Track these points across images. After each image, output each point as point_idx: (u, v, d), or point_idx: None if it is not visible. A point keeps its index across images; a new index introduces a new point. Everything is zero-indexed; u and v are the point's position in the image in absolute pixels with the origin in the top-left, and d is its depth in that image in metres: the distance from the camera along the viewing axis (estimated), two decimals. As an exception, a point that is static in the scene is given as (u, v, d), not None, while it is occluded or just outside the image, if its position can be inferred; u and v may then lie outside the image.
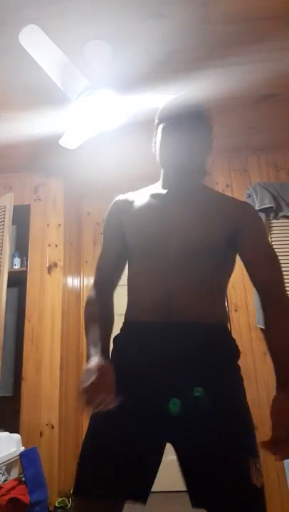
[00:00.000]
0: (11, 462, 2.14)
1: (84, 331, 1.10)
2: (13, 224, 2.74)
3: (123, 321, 1.11)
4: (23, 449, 2.22)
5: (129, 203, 1.18)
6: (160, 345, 0.98)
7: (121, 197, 1.23)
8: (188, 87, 2.18)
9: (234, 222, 1.08)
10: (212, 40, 1.90)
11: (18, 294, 2.89)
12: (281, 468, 2.20)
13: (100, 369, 0.89)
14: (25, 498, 1.92)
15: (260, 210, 2.59)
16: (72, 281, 3.13)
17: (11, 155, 2.85)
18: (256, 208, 2.61)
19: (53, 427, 2.51)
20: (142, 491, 0.91)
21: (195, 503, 0.88)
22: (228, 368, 1.01)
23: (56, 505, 2.35)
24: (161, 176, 1.23)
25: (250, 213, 1.14)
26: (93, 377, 0.86)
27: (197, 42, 1.91)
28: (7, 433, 2.22)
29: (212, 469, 0.87)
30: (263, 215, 2.59)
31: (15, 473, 2.17)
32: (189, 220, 1.08)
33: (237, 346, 1.07)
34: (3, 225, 2.68)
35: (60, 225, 2.95)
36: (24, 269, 2.89)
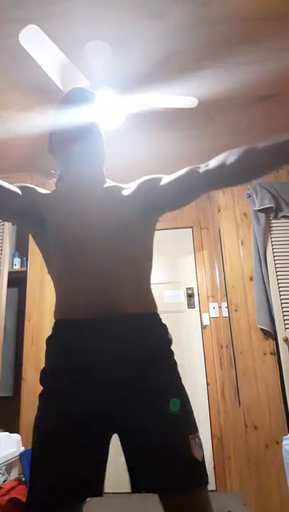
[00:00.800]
0: (11, 462, 2.14)
1: None
2: (13, 224, 2.74)
3: (53, 320, 1.09)
4: (23, 449, 2.22)
5: (44, 194, 1.18)
6: (94, 341, 0.99)
7: (31, 186, 1.19)
8: (188, 86, 2.18)
9: (138, 196, 1.15)
10: (212, 40, 1.90)
11: (18, 294, 2.89)
12: (281, 468, 2.20)
13: None
14: (25, 498, 1.92)
15: (260, 210, 2.60)
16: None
17: (11, 155, 2.85)
18: (256, 208, 2.61)
19: (53, 427, 2.51)
20: (96, 487, 0.98)
21: (140, 487, 0.93)
22: (163, 353, 1.04)
23: (56, 505, 2.35)
24: (62, 177, 1.27)
25: (144, 179, 1.23)
26: None
27: (197, 42, 1.91)
28: (7, 433, 2.22)
29: (156, 450, 0.90)
30: (263, 215, 2.60)
31: (15, 473, 2.17)
32: (103, 211, 1.11)
33: (167, 331, 1.09)
34: (3, 225, 2.68)
35: (60, 225, 2.95)
36: (24, 269, 2.89)
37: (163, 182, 1.19)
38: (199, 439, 0.95)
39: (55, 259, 1.11)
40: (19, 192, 1.12)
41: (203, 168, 1.15)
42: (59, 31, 1.78)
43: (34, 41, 1.59)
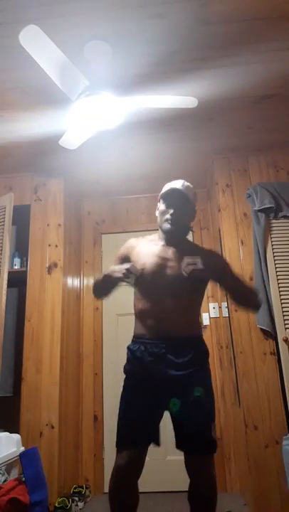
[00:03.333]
0: (11, 462, 2.14)
1: (98, 283, 1.85)
2: (13, 224, 2.74)
3: (133, 334, 1.70)
4: (23, 449, 2.22)
5: (137, 246, 1.77)
6: (157, 353, 1.57)
7: (133, 240, 1.82)
8: (188, 87, 2.18)
9: (207, 266, 1.59)
10: (211, 41, 1.90)
11: (18, 294, 2.89)
12: (281, 469, 2.20)
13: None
14: (25, 499, 1.92)
15: (260, 210, 2.59)
16: (72, 281, 3.13)
17: (11, 155, 2.85)
18: (256, 208, 2.61)
19: (53, 427, 2.51)
20: (156, 437, 1.56)
21: (178, 447, 1.54)
22: (203, 364, 1.62)
23: (56, 505, 2.35)
24: (160, 233, 1.78)
25: (217, 258, 1.81)
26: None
27: (197, 42, 1.91)
28: (7, 433, 2.22)
29: (192, 427, 1.50)
30: (263, 215, 2.59)
31: (15, 473, 2.17)
32: (178, 265, 1.59)
33: (207, 348, 1.67)
34: (3, 225, 2.68)
35: (60, 225, 2.95)
36: (24, 269, 2.89)
37: (225, 280, 1.73)
38: (215, 425, 1.56)
39: (138, 290, 1.71)
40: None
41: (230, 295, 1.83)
42: (59, 31, 1.78)
43: (34, 41, 1.59)
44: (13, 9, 1.69)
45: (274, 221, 2.61)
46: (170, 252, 1.69)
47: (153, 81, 2.13)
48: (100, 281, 1.80)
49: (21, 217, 2.95)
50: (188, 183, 1.75)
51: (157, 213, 1.79)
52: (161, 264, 1.66)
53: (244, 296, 1.73)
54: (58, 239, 2.91)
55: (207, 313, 3.16)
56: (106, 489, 2.88)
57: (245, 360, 2.46)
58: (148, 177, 3.23)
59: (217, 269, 1.68)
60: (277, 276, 2.47)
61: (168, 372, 1.54)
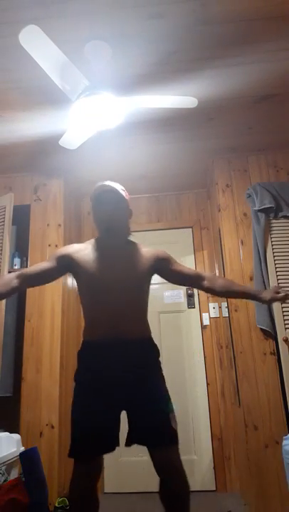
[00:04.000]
0: (11, 462, 2.14)
1: None
2: (13, 224, 2.74)
3: (82, 340, 1.65)
4: (23, 449, 2.22)
5: (80, 249, 1.71)
6: (111, 357, 1.55)
7: (75, 245, 1.78)
8: (188, 87, 2.18)
9: (154, 264, 1.71)
10: (211, 41, 1.90)
11: (18, 294, 2.89)
12: (281, 468, 2.20)
13: None
14: (25, 499, 1.92)
15: (260, 210, 2.59)
16: (72, 281, 3.13)
17: (11, 155, 2.85)
18: (256, 208, 2.61)
19: (53, 427, 2.51)
20: (111, 445, 1.51)
21: (138, 441, 1.50)
22: (154, 364, 1.63)
23: (56, 505, 2.35)
24: (98, 236, 1.78)
25: (163, 253, 1.79)
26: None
27: (196, 42, 1.91)
28: (7, 433, 2.22)
29: (150, 421, 1.49)
30: (263, 215, 2.59)
31: (15, 473, 2.17)
32: (122, 266, 1.65)
33: (157, 349, 1.67)
34: (3, 225, 2.68)
35: (60, 225, 2.95)
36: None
37: (173, 267, 1.77)
38: (174, 416, 1.53)
39: (85, 296, 1.67)
40: (54, 265, 1.68)
41: (201, 281, 1.78)
42: (59, 31, 1.78)
43: (34, 41, 1.59)
44: (13, 9, 1.69)
45: (274, 221, 2.61)
46: (114, 254, 1.68)
47: (153, 81, 2.14)
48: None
49: (21, 217, 2.95)
50: (116, 183, 1.75)
51: (93, 217, 1.79)
52: (108, 267, 1.63)
53: (201, 278, 1.78)
54: (58, 239, 2.92)
55: (207, 313, 3.16)
56: (106, 489, 2.88)
57: (245, 360, 2.46)
58: (148, 177, 3.23)
59: (164, 264, 1.74)
60: (277, 276, 2.47)
61: (123, 374, 1.53)
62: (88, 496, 1.49)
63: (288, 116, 2.53)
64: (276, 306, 2.41)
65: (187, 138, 2.73)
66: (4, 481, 2.06)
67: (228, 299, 2.62)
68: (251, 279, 2.55)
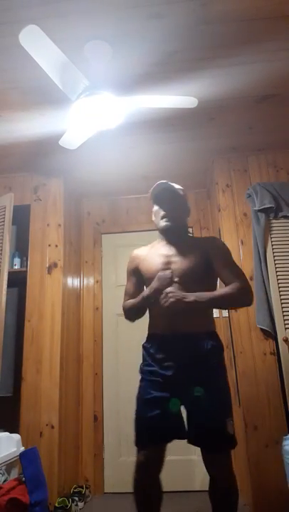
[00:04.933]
0: (11, 462, 2.14)
1: (130, 307, 1.80)
2: (13, 224, 2.74)
3: (148, 332, 1.75)
4: (23, 449, 2.22)
5: (142, 254, 1.83)
6: (171, 350, 1.60)
7: (136, 251, 1.89)
8: (188, 86, 2.18)
9: (205, 252, 1.71)
10: (212, 41, 1.90)
11: (18, 294, 2.89)
12: (281, 469, 2.20)
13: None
14: (25, 498, 1.92)
15: (260, 210, 2.59)
16: (72, 281, 3.13)
17: (11, 155, 2.85)
18: (256, 208, 2.61)
19: (53, 427, 2.51)
20: (179, 432, 1.53)
21: (193, 442, 1.53)
22: (218, 360, 1.64)
23: (56, 505, 2.35)
24: (160, 234, 1.84)
25: (213, 242, 1.80)
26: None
27: (197, 42, 1.91)
28: (7, 433, 2.22)
29: (207, 422, 1.50)
30: (263, 215, 2.59)
31: (15, 473, 2.17)
32: (181, 260, 1.69)
33: (222, 343, 1.69)
34: (3, 225, 2.68)
35: (60, 225, 2.95)
36: (24, 269, 2.89)
37: (219, 263, 1.72)
38: (232, 421, 1.54)
39: None
40: (135, 280, 1.85)
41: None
42: (59, 31, 1.78)
43: (34, 41, 1.59)
44: (13, 9, 1.69)
45: (274, 221, 2.61)
46: (173, 249, 1.74)
47: (153, 81, 2.13)
48: (139, 303, 1.75)
49: (21, 217, 2.95)
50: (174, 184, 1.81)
51: (153, 217, 1.84)
52: (167, 263, 1.70)
53: (237, 294, 1.66)
54: (57, 239, 2.91)
55: (207, 313, 3.15)
56: (106, 489, 2.88)
57: (245, 360, 2.46)
58: (148, 177, 3.22)
59: (213, 254, 1.71)
60: (277, 276, 2.47)
61: (183, 368, 1.55)
62: (152, 485, 1.53)
63: (288, 116, 2.53)
64: (276, 306, 2.41)
65: (187, 138, 2.73)
66: (4, 481, 2.06)
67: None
68: (251, 279, 2.55)
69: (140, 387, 1.64)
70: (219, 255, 1.73)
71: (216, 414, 1.51)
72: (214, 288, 1.75)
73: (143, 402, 1.59)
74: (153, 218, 1.85)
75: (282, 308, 2.41)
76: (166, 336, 1.63)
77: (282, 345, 2.36)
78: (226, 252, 1.76)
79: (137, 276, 1.83)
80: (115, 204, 3.57)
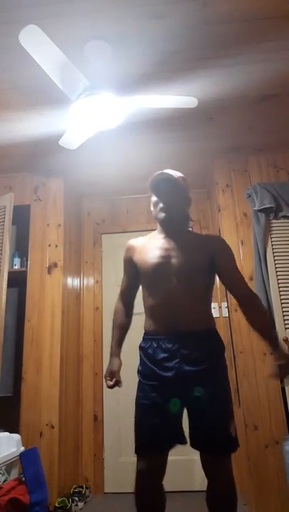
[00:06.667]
0: (11, 462, 2.14)
1: (112, 328, 1.82)
2: (13, 224, 2.74)
3: (144, 331, 1.65)
4: (23, 449, 2.22)
5: (137, 245, 1.72)
6: (169, 349, 1.51)
7: (132, 241, 1.76)
8: (188, 86, 2.18)
9: (210, 251, 1.64)
10: (212, 41, 1.90)
11: (18, 294, 2.89)
12: (281, 469, 2.20)
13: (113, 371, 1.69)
14: (25, 498, 1.92)
15: (260, 210, 2.59)
16: (72, 281, 3.13)
17: (11, 155, 2.85)
18: (256, 208, 2.61)
19: (53, 427, 2.51)
20: (179, 438, 1.48)
21: (193, 445, 1.47)
22: (218, 359, 1.57)
23: (56, 505, 2.35)
24: (158, 226, 1.73)
25: (220, 243, 1.73)
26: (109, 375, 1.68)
27: (197, 42, 1.91)
28: (7, 433, 2.22)
29: (208, 424, 1.45)
30: (263, 215, 2.59)
31: (15, 473, 2.17)
32: (181, 255, 1.59)
33: (222, 342, 1.61)
34: (3, 225, 2.68)
35: (60, 225, 2.95)
36: (24, 269, 2.89)
37: (224, 266, 1.66)
38: (234, 422, 1.49)
39: (145, 287, 1.66)
40: (131, 271, 1.74)
41: (242, 302, 1.65)
42: (59, 31, 1.78)
43: (34, 41, 1.59)
44: (13, 9, 1.69)
45: (274, 221, 2.61)
46: (172, 243, 1.64)
47: (153, 81, 2.13)
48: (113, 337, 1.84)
49: (21, 217, 2.95)
50: (175, 171, 1.71)
51: (152, 207, 1.73)
52: (165, 257, 1.60)
53: (245, 297, 1.64)
54: (58, 239, 2.91)
55: (207, 313, 3.15)
56: (106, 489, 2.88)
57: (245, 360, 2.46)
58: (148, 177, 3.21)
59: (219, 256, 1.63)
60: (277, 276, 2.47)
61: (183, 368, 1.48)
62: (154, 491, 1.47)
63: (288, 116, 2.53)
64: (276, 306, 2.41)
65: (187, 138, 2.73)
66: (4, 481, 2.06)
67: (228, 299, 2.62)
68: (251, 279, 2.55)
69: (139, 391, 1.56)
70: (225, 258, 1.66)
71: (219, 415, 1.45)
72: (211, 289, 1.67)
73: (143, 408, 1.52)
74: (151, 209, 1.73)
75: (282, 308, 2.41)
76: (165, 335, 1.54)
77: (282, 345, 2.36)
78: (231, 255, 1.69)
79: (131, 268, 1.72)
80: (115, 204, 3.57)
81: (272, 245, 2.55)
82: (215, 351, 1.57)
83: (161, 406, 1.47)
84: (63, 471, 2.54)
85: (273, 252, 2.53)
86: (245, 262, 2.64)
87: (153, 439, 1.46)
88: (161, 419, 1.46)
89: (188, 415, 1.50)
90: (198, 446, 1.47)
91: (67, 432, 2.68)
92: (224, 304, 2.86)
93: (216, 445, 1.44)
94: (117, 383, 1.66)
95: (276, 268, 2.49)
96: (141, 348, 1.62)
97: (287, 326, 2.38)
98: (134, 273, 1.71)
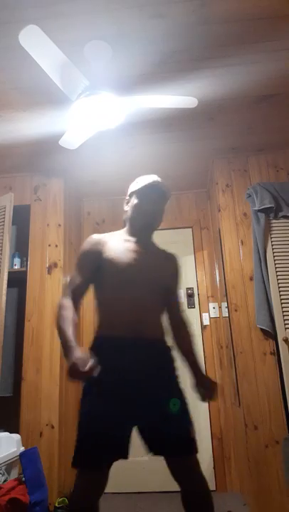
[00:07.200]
0: (11, 462, 2.14)
1: (57, 326, 1.55)
2: (13, 224, 2.74)
3: (94, 335, 1.56)
4: (23, 449, 2.22)
5: (106, 242, 1.60)
6: (129, 357, 1.43)
7: (98, 236, 1.63)
8: (188, 86, 2.18)
9: (169, 269, 1.68)
10: (212, 40, 1.90)
11: (18, 294, 2.89)
12: (281, 469, 2.20)
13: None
14: (25, 498, 1.92)
15: (260, 210, 2.59)
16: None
17: (11, 155, 2.85)
18: (256, 208, 2.61)
19: (53, 427, 2.51)
20: (126, 452, 1.37)
21: (158, 452, 1.40)
22: (172, 369, 1.54)
23: (56, 505, 2.35)
24: (128, 227, 1.68)
25: (177, 265, 1.72)
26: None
27: (197, 42, 1.91)
28: (7, 433, 2.23)
29: (175, 428, 1.40)
30: (262, 215, 2.59)
31: (15, 473, 2.17)
32: (152, 264, 1.60)
33: (170, 348, 1.60)
34: (3, 225, 2.68)
35: (60, 225, 2.95)
36: (24, 269, 2.89)
37: (173, 285, 1.70)
38: (193, 425, 1.45)
39: (107, 287, 1.55)
40: (90, 267, 1.58)
41: (172, 317, 1.68)
42: (59, 31, 1.78)
43: (34, 41, 1.59)
44: (13, 9, 1.69)
45: (274, 221, 2.61)
46: (143, 249, 1.61)
47: (153, 81, 2.14)
48: (61, 341, 1.54)
49: (21, 217, 2.95)
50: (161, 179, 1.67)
51: (127, 207, 1.67)
52: (138, 261, 1.55)
53: (179, 322, 1.66)
54: (57, 239, 2.92)
55: (207, 313, 3.16)
56: (106, 489, 2.88)
57: (245, 360, 2.46)
58: (148, 177, 3.22)
59: (173, 277, 1.68)
60: (277, 276, 2.47)
61: (140, 375, 1.40)
62: (90, 510, 1.35)
63: (288, 116, 2.53)
64: (276, 306, 2.41)
65: (187, 138, 2.73)
66: (4, 481, 2.06)
67: (228, 299, 2.62)
68: (251, 279, 2.55)
69: (85, 401, 1.42)
70: (176, 281, 1.70)
71: (182, 420, 1.43)
72: (163, 310, 1.64)
73: (90, 419, 1.38)
74: (125, 207, 1.68)
75: (282, 308, 2.41)
76: (125, 341, 1.45)
77: (282, 345, 2.36)
78: (180, 279, 1.73)
79: (94, 264, 1.56)
80: (115, 204, 3.57)
81: (272, 245, 2.55)
82: (171, 359, 1.57)
83: (113, 416, 1.35)
84: (63, 471, 2.54)
85: (273, 252, 2.53)
86: (245, 262, 2.64)
87: (99, 453, 1.35)
88: (111, 429, 1.35)
89: (149, 424, 1.41)
90: (165, 452, 1.40)
91: (67, 432, 2.68)
92: (224, 304, 2.87)
93: (184, 448, 1.40)
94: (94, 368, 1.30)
95: (276, 268, 2.49)
96: (92, 350, 1.49)
97: (287, 326, 2.38)
98: (95, 269, 1.56)
